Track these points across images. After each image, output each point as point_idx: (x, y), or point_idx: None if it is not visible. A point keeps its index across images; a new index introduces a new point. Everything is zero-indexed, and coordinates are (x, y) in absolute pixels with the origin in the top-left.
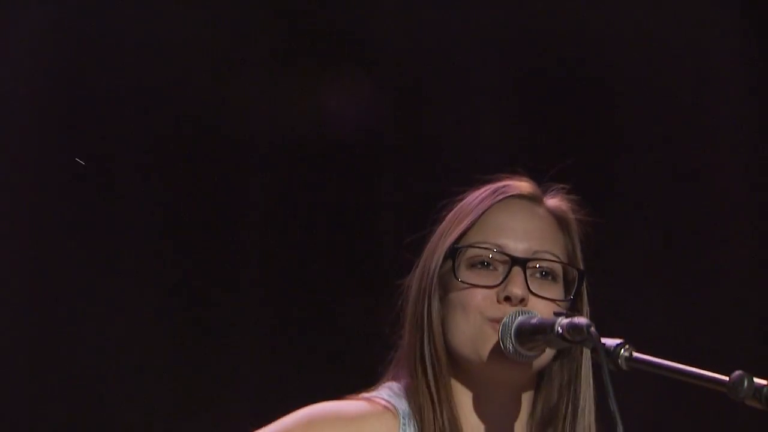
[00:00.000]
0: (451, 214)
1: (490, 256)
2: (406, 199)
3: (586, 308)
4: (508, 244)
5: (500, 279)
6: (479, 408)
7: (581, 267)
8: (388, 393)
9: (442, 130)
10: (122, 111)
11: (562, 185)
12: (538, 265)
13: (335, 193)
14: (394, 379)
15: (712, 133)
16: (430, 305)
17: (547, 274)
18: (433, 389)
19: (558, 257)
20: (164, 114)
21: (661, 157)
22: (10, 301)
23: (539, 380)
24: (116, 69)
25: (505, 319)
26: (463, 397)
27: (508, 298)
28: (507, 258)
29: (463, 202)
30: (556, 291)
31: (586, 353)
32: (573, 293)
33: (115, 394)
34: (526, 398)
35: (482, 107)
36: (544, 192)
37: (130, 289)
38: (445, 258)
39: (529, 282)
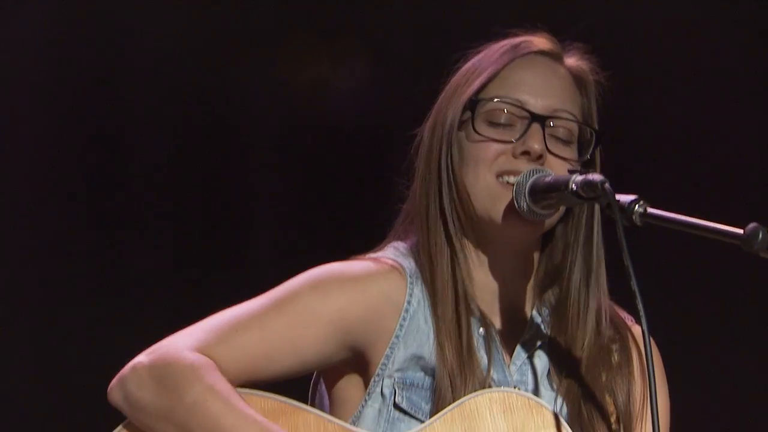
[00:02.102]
0: (468, 66)
1: (509, 111)
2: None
3: (598, 170)
4: (529, 100)
5: (518, 135)
6: (488, 266)
7: (596, 128)
8: (394, 252)
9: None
10: (122, 95)
11: (580, 44)
12: (555, 124)
13: (343, 173)
14: (400, 238)
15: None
16: (448, 156)
17: (563, 134)
18: (444, 243)
19: (575, 117)
20: (165, 97)
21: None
22: (10, 300)
23: (543, 241)
24: (114, 53)
25: (519, 178)
26: (473, 255)
27: (526, 153)
28: (526, 114)
29: (481, 55)
30: (570, 151)
31: (596, 214)
32: (589, 153)
33: None
34: (535, 258)
35: None
36: (564, 50)
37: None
38: (464, 109)
39: (546, 140)
